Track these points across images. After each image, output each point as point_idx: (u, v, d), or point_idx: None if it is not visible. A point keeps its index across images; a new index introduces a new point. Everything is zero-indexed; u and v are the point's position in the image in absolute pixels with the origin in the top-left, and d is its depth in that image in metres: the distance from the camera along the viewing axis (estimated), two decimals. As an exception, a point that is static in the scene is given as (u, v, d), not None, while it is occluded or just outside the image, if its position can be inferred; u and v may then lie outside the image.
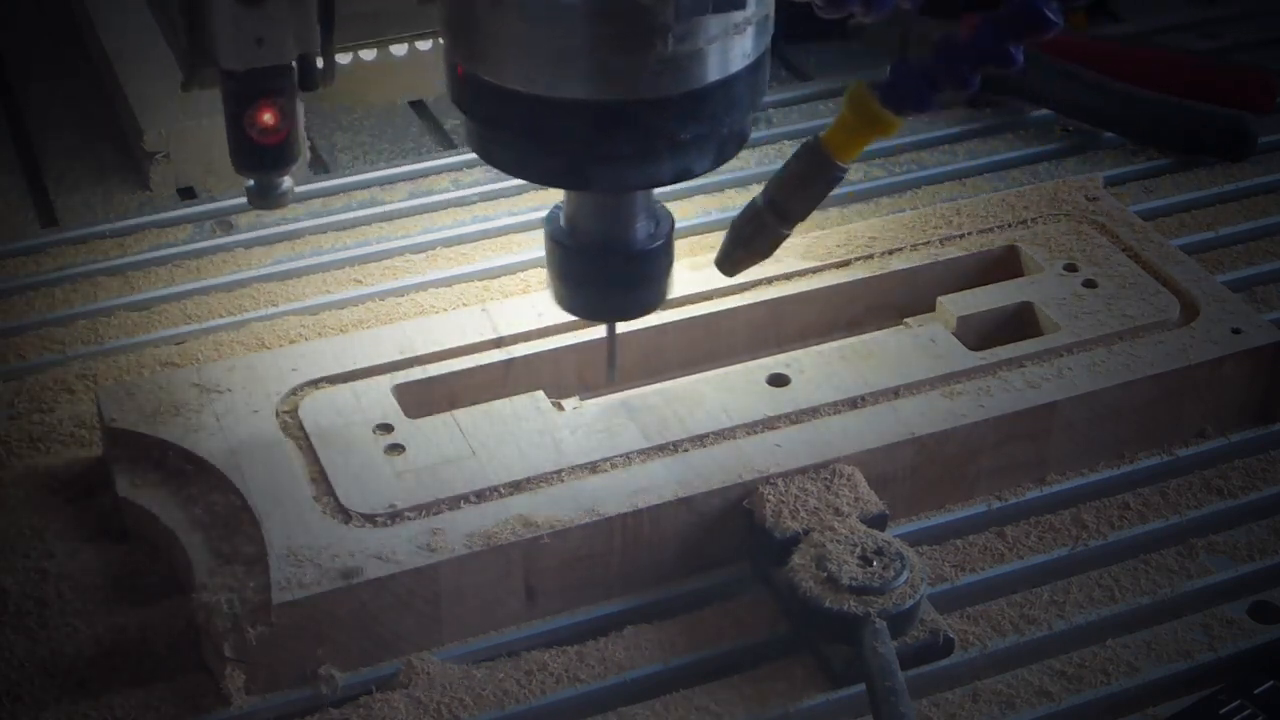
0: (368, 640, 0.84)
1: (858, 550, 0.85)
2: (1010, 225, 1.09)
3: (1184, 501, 0.95)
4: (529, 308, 1.01)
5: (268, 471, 0.89)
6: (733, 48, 0.77)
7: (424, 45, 1.07)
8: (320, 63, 0.84)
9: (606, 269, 0.86)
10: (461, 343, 0.98)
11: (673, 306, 1.01)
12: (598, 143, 0.77)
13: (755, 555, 0.89)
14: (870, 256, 1.06)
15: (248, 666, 0.82)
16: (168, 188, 1.26)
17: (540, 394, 0.94)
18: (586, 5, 0.73)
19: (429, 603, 0.84)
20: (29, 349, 1.06)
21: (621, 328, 0.99)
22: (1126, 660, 0.85)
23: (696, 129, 0.77)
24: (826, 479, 0.89)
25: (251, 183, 0.87)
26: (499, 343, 0.98)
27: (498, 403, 0.94)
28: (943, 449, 0.93)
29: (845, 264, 1.05)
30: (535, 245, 1.16)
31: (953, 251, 1.07)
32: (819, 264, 1.05)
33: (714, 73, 0.76)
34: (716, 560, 0.90)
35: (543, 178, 0.82)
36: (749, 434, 0.92)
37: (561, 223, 0.86)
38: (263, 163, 0.85)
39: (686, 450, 0.91)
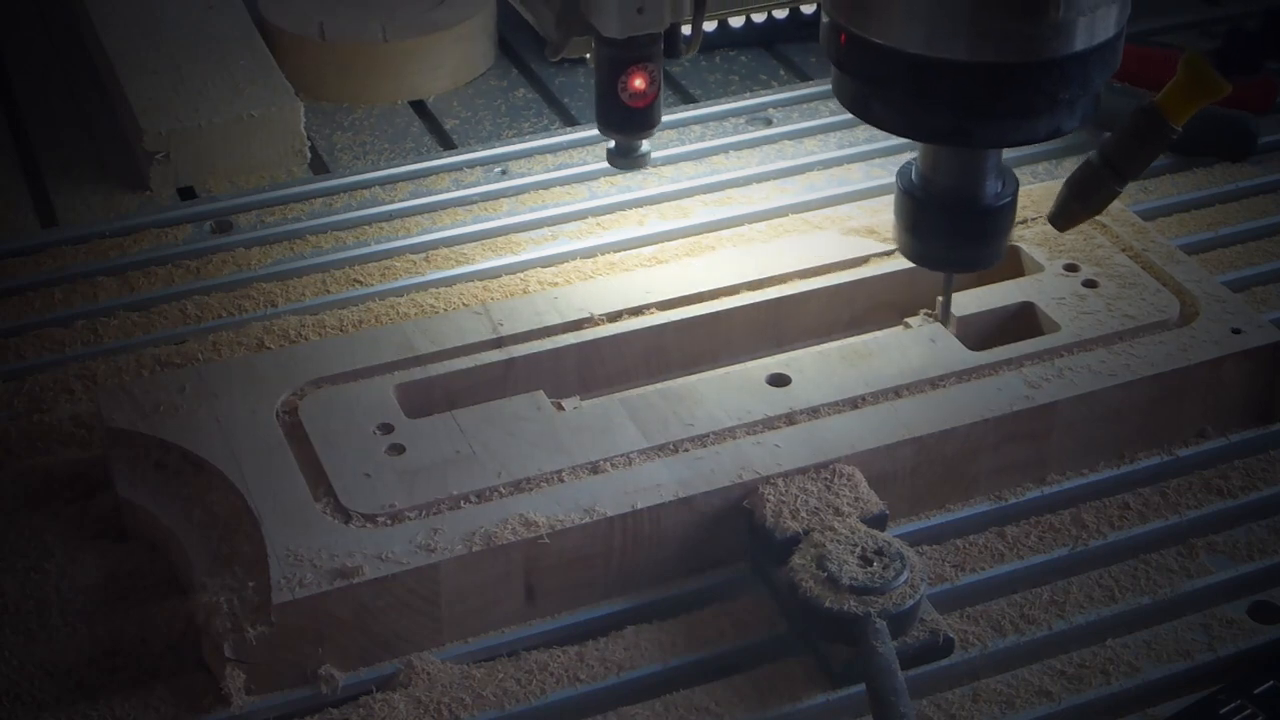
0: (368, 640, 0.84)
1: (858, 550, 0.85)
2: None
3: (1184, 501, 0.95)
4: (529, 308, 1.01)
5: (268, 471, 0.89)
6: (1105, 17, 0.83)
7: (780, 14, 1.10)
8: (688, 31, 0.89)
9: (958, 222, 0.91)
10: (461, 343, 0.98)
11: (673, 306, 1.01)
12: (986, 102, 0.83)
13: (755, 555, 0.89)
14: (870, 256, 1.06)
15: (248, 666, 0.82)
16: (168, 188, 1.26)
17: (540, 394, 0.94)
18: None
19: (429, 603, 0.84)
20: (29, 349, 1.06)
21: (622, 327, 1.00)
22: (1126, 660, 0.85)
23: (1073, 90, 0.84)
24: (826, 479, 0.89)
25: (613, 144, 0.94)
26: (499, 343, 0.98)
27: (498, 403, 0.94)
28: (943, 449, 0.93)
29: (845, 264, 1.05)
30: (535, 245, 1.16)
31: (953, 251, 1.07)
32: (819, 264, 1.05)
33: (1091, 38, 0.82)
34: (716, 560, 0.90)
35: (928, 135, 0.88)
36: (749, 434, 0.92)
37: (914, 177, 0.91)
38: (630, 124, 0.92)
39: (686, 450, 0.91)
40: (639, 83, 0.90)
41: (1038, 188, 1.13)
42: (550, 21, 0.90)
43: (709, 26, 1.35)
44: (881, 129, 0.88)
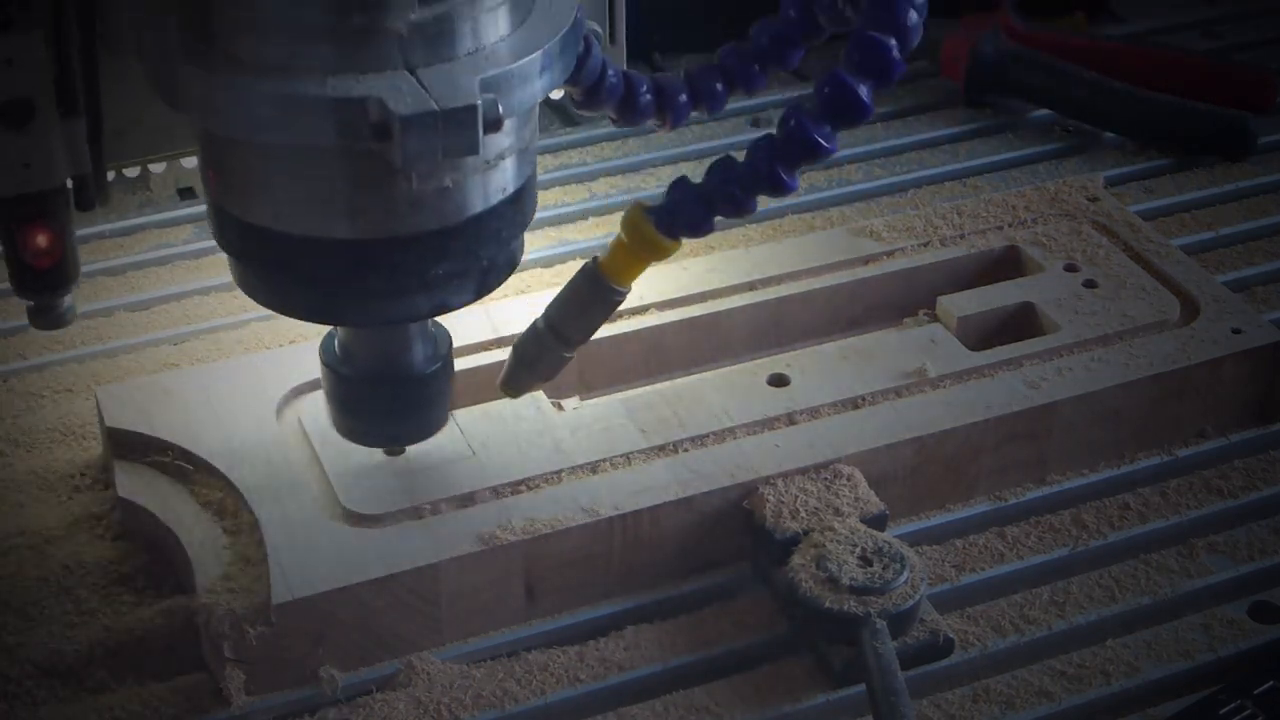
0: (368, 640, 0.84)
1: (858, 550, 0.85)
2: (1010, 225, 1.09)
3: (1184, 501, 0.95)
4: (529, 308, 1.01)
5: (268, 471, 0.88)
6: (487, 183, 0.75)
7: (189, 162, 1.06)
8: (94, 182, 0.81)
9: (388, 395, 0.84)
10: (461, 343, 0.98)
11: (673, 306, 1.01)
12: (351, 280, 0.76)
13: (755, 555, 0.89)
14: (870, 257, 1.06)
15: (248, 666, 0.82)
16: (168, 188, 1.26)
17: (540, 394, 0.94)
18: (329, 148, 0.71)
19: (429, 603, 0.84)
20: (29, 349, 1.06)
21: (622, 327, 1.00)
22: (1126, 660, 0.85)
23: (450, 265, 0.76)
24: (826, 479, 0.89)
25: (30, 304, 0.84)
26: (499, 343, 0.98)
27: (498, 403, 0.94)
28: (943, 449, 0.93)
29: (845, 264, 1.05)
30: (535, 245, 1.16)
31: (953, 251, 1.07)
32: (819, 264, 1.05)
33: (468, 209, 0.75)
34: (716, 560, 0.90)
35: (301, 313, 0.80)
36: (749, 434, 0.92)
37: (336, 350, 0.84)
38: (39, 285, 0.83)
39: (686, 450, 0.91)
40: (40, 240, 0.81)
41: (1030, 190, 1.13)
42: None
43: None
44: (278, 311, 0.81)
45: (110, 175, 0.84)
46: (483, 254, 0.77)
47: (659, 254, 0.84)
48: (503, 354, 0.97)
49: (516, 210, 0.78)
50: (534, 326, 0.88)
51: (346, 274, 0.76)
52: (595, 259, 0.86)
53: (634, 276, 0.86)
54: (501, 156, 0.75)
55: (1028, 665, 0.85)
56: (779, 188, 0.80)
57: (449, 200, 0.74)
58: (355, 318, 0.80)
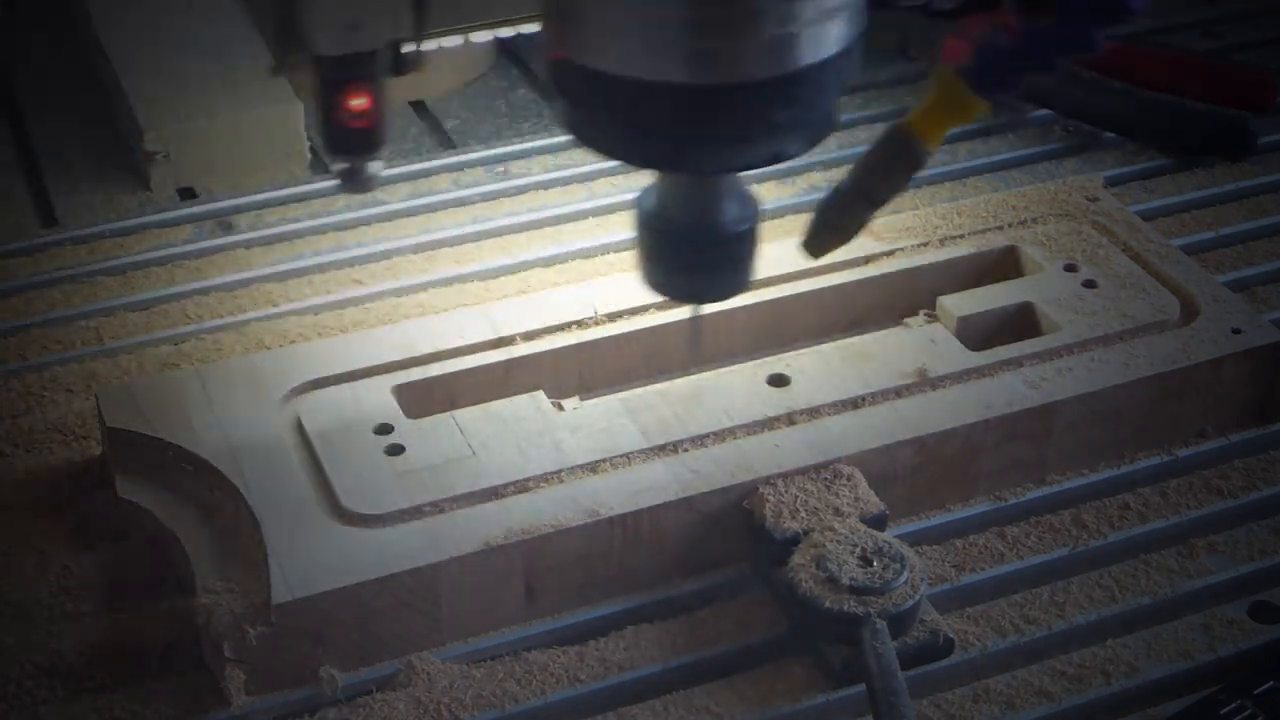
0: (368, 640, 0.84)
1: (858, 550, 0.85)
2: (1010, 225, 1.09)
3: (1184, 501, 0.95)
4: (529, 308, 1.01)
5: (268, 471, 0.89)
6: (826, 34, 0.76)
7: (506, 32, 1.07)
8: (411, 48, 0.85)
9: (696, 252, 0.85)
10: (461, 343, 0.98)
11: (672, 306, 1.01)
12: (698, 127, 0.77)
13: (755, 555, 0.89)
14: (870, 257, 1.06)
15: (248, 666, 0.82)
16: (168, 188, 1.26)
17: (540, 394, 0.94)
18: None
19: (429, 603, 0.84)
20: (29, 349, 1.06)
21: (622, 327, 1.00)
22: (1126, 660, 0.85)
23: (791, 113, 0.78)
24: (826, 479, 0.89)
25: (340, 167, 0.89)
26: (499, 343, 0.98)
27: (498, 403, 0.94)
28: (943, 449, 0.93)
29: (845, 264, 1.05)
30: (535, 245, 1.16)
31: (953, 251, 1.07)
32: (819, 264, 1.05)
33: (814, 55, 0.76)
34: (716, 560, 0.90)
35: (642, 160, 0.82)
36: (749, 434, 0.92)
37: (651, 205, 0.85)
38: (353, 147, 0.87)
39: (686, 450, 0.91)
40: (358, 102, 0.85)
41: (1030, 190, 1.13)
42: (270, 40, 0.86)
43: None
44: (607, 156, 0.83)
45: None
46: (819, 103, 0.79)
47: (967, 112, 0.85)
48: (503, 354, 0.97)
49: (848, 65, 0.79)
50: (837, 190, 0.90)
51: (693, 120, 0.77)
52: (903, 119, 0.87)
53: (941, 136, 0.87)
54: (841, 8, 0.76)
55: (1028, 665, 0.85)
56: (1088, 46, 0.82)
57: (794, 47, 0.75)
58: (696, 164, 0.81)
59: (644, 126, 0.78)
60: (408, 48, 0.84)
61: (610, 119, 0.79)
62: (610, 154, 0.82)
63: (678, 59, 0.74)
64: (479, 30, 1.05)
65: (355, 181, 0.88)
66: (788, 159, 0.80)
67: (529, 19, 0.87)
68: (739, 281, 0.86)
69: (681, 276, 0.85)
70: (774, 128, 0.78)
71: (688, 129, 0.77)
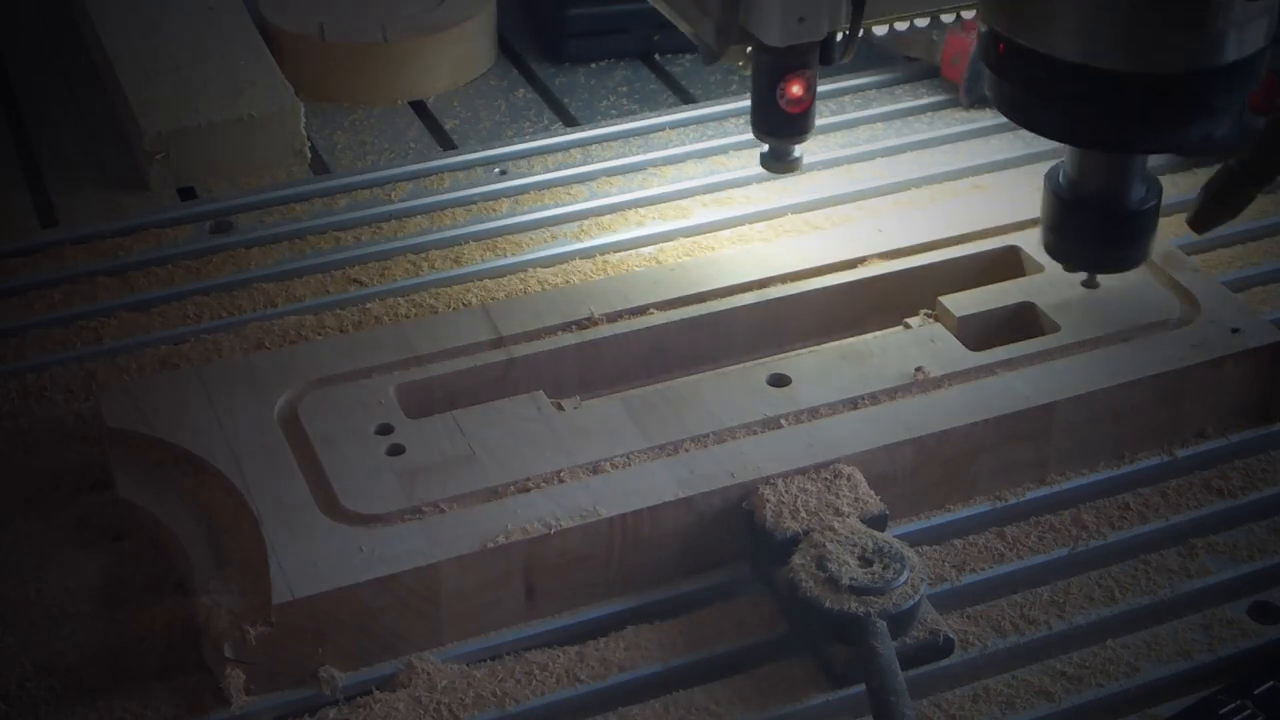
0: (368, 640, 0.84)
1: (858, 550, 0.85)
2: (1010, 225, 1.09)
3: (1184, 501, 0.95)
4: (529, 308, 1.01)
5: (268, 471, 0.89)
6: (1257, 29, 0.85)
7: (947, 18, 1.13)
8: (842, 38, 0.91)
9: (1102, 225, 0.94)
10: (461, 343, 0.98)
11: (673, 306, 1.01)
12: (1145, 111, 0.86)
13: (755, 555, 0.89)
14: (870, 256, 1.06)
15: (248, 666, 0.82)
16: (168, 188, 1.26)
17: (540, 394, 0.94)
18: None
19: (429, 603, 0.84)
20: (29, 349, 1.06)
21: (622, 327, 1.00)
22: (1126, 660, 0.85)
23: (1226, 100, 0.86)
24: (826, 479, 0.89)
25: (766, 149, 0.97)
26: (499, 343, 0.98)
27: (498, 403, 0.94)
28: (943, 449, 0.93)
29: (845, 264, 1.05)
30: (535, 245, 1.16)
31: (953, 251, 1.07)
32: (819, 264, 1.05)
33: (1242, 50, 0.84)
34: (716, 560, 0.90)
35: (1087, 141, 0.90)
36: (749, 434, 0.92)
37: (1061, 179, 0.94)
38: (785, 130, 0.95)
39: (687, 450, 0.91)
40: (796, 89, 0.92)
41: (1030, 190, 1.12)
42: (709, 30, 0.92)
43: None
44: (1040, 134, 0.91)
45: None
46: (1243, 93, 0.87)
47: None
48: (503, 354, 0.97)
49: (1261, 63, 0.87)
50: (1226, 168, 0.98)
51: (1143, 105, 0.85)
52: None
53: None
54: (1271, 7, 0.85)
55: (1028, 665, 0.85)
56: None
57: (1238, 40, 0.84)
58: (1137, 145, 0.90)
59: (1093, 109, 0.86)
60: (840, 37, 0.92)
61: (1059, 101, 0.87)
62: (1050, 134, 0.90)
63: (1139, 49, 0.83)
64: (910, 18, 1.09)
65: (781, 162, 0.97)
66: (1214, 141, 0.88)
67: (964, 5, 0.97)
68: (1141, 255, 0.96)
69: (1092, 248, 0.95)
70: (1211, 113, 0.86)
71: (1137, 114, 0.85)
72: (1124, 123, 0.86)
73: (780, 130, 0.95)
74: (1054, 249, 0.96)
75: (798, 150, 0.97)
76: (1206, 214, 1.00)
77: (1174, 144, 0.91)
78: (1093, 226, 0.94)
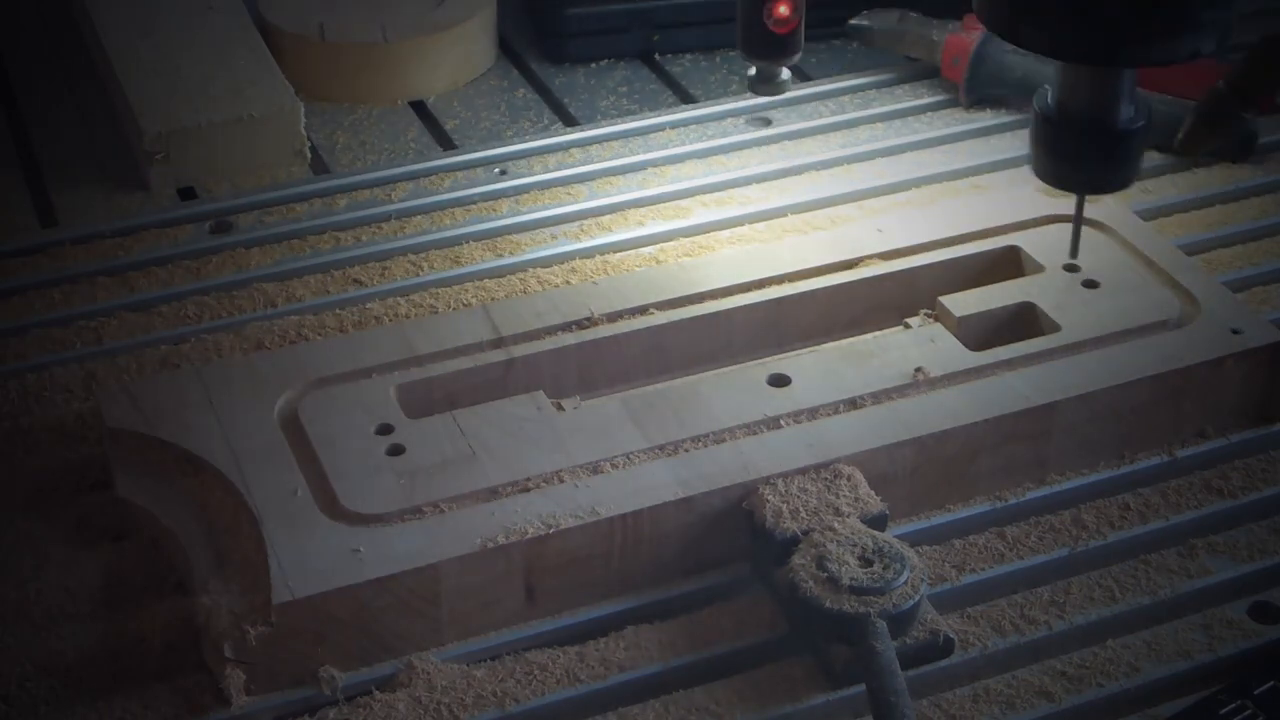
0: (368, 640, 0.84)
1: (858, 551, 0.85)
2: (1010, 225, 1.09)
3: (1184, 501, 0.95)
4: (529, 308, 1.01)
5: (268, 471, 0.89)
6: None
7: None
8: None
9: (1090, 144, 0.93)
10: (461, 343, 0.98)
11: (673, 306, 1.01)
12: (1133, 21, 0.85)
13: (755, 555, 0.89)
14: (870, 256, 1.06)
15: (248, 666, 0.82)
16: (168, 188, 1.26)
17: (540, 394, 0.94)
18: None
19: (429, 603, 0.84)
20: (29, 349, 1.06)
21: (622, 327, 1.00)
22: (1126, 660, 0.85)
23: (1215, 11, 0.86)
24: (827, 479, 0.89)
25: (753, 71, 1.00)
26: (499, 343, 0.98)
27: (498, 403, 0.94)
28: (943, 449, 0.93)
29: (845, 264, 1.05)
30: (535, 245, 1.16)
31: (953, 251, 1.07)
32: (819, 264, 1.05)
33: None
34: (716, 560, 0.90)
35: (1074, 54, 0.89)
36: (749, 434, 0.92)
37: (1049, 100, 0.93)
38: (773, 50, 0.98)
39: (686, 450, 0.91)
40: (783, 9, 0.95)
41: (1030, 189, 1.12)
42: None
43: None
44: (1028, 49, 0.90)
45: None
46: (1229, 6, 0.87)
47: None
48: (503, 354, 0.97)
49: None
50: (1215, 89, 0.98)
51: (1131, 14, 0.85)
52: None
53: None
54: None
55: (1028, 665, 0.85)
56: None
57: None
58: (1129, 58, 0.88)
59: (1085, 20, 0.85)
60: None
61: (1053, 15, 0.86)
62: (1045, 50, 0.89)
63: None
64: None
65: (768, 84, 1.00)
66: (1202, 56, 0.87)
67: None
68: (1130, 176, 0.95)
69: (1081, 167, 0.94)
70: (1198, 25, 0.86)
71: (1127, 22, 0.85)
72: (1112, 35, 0.86)
73: (767, 51, 0.98)
74: (1043, 171, 0.95)
75: (785, 73, 0.99)
76: (1195, 136, 1.01)
77: (1161, 57, 0.88)
78: (1083, 146, 0.93)
